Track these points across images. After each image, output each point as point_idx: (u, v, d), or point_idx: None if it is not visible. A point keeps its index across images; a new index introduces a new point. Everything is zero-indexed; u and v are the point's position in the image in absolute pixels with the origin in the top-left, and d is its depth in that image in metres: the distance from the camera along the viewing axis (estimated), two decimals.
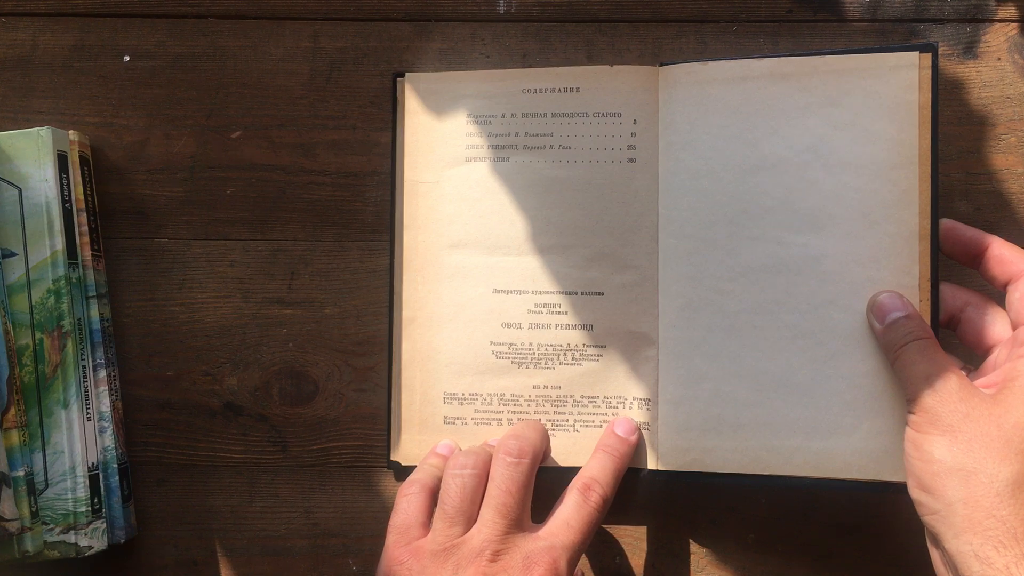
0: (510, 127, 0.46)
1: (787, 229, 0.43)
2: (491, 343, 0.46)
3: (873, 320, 0.42)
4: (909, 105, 0.42)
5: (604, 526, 0.47)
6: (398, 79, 0.47)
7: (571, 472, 0.45)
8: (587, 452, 0.45)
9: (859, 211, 0.42)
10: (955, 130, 0.47)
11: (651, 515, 0.47)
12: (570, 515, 0.40)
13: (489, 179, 0.46)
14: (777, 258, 0.43)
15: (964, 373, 0.39)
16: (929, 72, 0.41)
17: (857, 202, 0.42)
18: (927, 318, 0.41)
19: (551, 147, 0.45)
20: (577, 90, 0.45)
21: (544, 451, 0.44)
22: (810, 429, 0.42)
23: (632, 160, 0.45)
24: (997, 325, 0.41)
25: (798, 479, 0.43)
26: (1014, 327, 0.39)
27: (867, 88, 0.42)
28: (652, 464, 0.45)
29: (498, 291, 0.46)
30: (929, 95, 0.42)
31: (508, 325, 0.46)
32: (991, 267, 0.41)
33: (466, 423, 0.46)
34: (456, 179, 0.46)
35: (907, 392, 0.39)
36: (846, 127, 0.43)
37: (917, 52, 0.42)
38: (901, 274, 0.42)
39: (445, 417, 0.46)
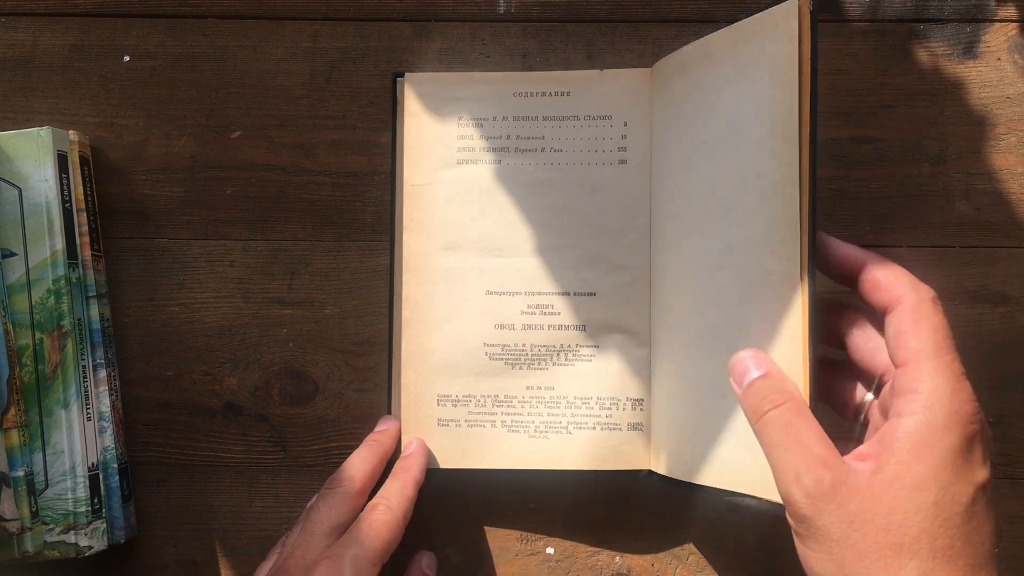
0: (502, 130, 0.46)
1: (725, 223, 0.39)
2: (484, 344, 0.46)
3: (733, 384, 0.36)
4: (790, 60, 0.36)
5: (603, 526, 0.47)
6: (398, 79, 0.47)
7: (566, 474, 0.45)
8: (580, 455, 0.45)
9: (758, 193, 0.37)
10: (955, 130, 0.47)
11: (651, 515, 0.47)
12: (354, 526, 0.41)
13: (481, 181, 0.46)
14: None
15: (833, 447, 0.33)
16: (808, 19, 0.35)
17: (754, 183, 0.38)
18: (805, 301, 0.36)
19: (542, 150, 0.46)
20: (567, 94, 0.45)
21: (372, 471, 0.44)
22: None
23: (623, 162, 0.45)
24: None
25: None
26: (894, 365, 0.34)
27: (768, 52, 0.37)
28: (649, 465, 0.44)
29: (491, 292, 0.46)
30: (809, 46, 0.35)
31: (501, 326, 0.46)
32: (867, 292, 0.35)
33: (459, 425, 0.46)
34: (448, 181, 0.46)
35: (777, 484, 0.34)
36: (751, 98, 0.38)
37: None
38: (788, 263, 0.36)
39: (439, 419, 0.46)
